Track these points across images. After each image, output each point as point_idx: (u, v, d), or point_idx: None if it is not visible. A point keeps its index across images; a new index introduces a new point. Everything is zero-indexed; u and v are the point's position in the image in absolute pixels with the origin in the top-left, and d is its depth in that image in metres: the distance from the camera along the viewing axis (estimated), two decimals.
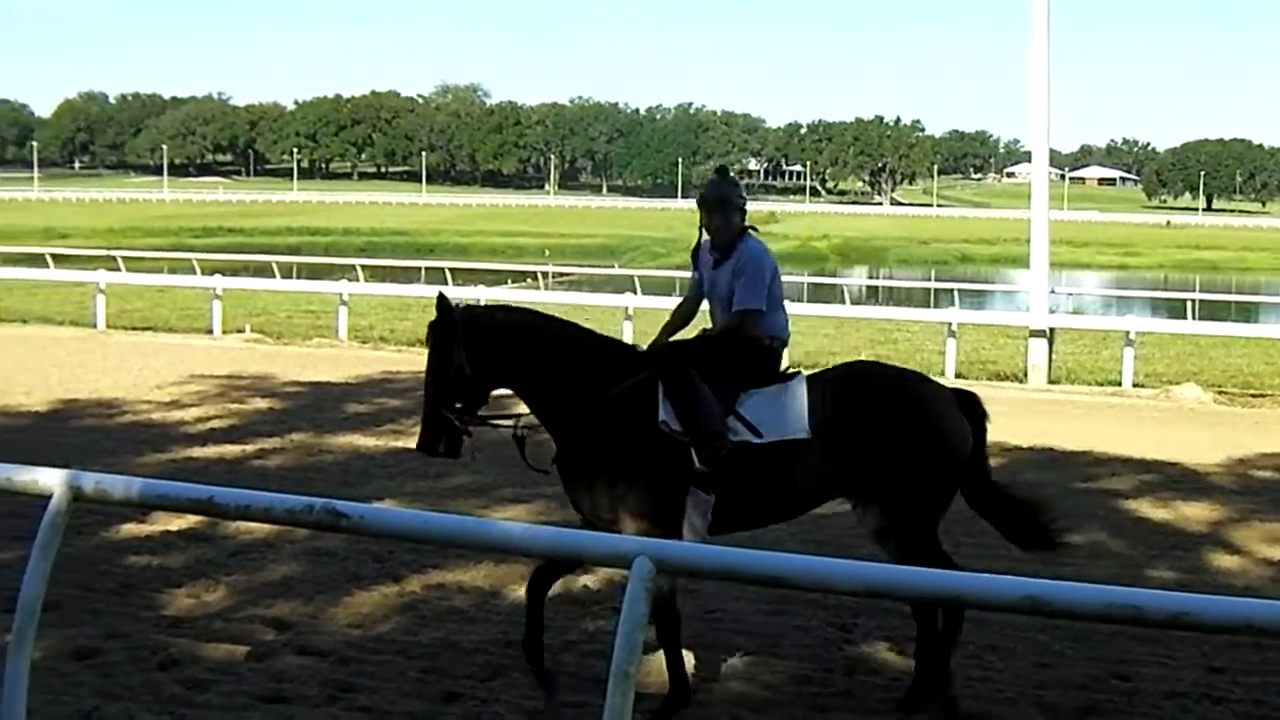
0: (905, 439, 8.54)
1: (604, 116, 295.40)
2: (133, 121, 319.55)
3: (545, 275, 49.85)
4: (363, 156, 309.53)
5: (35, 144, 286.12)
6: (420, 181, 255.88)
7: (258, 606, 10.33)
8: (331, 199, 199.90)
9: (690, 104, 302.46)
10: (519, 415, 8.79)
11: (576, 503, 8.67)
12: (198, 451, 16.95)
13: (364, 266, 44.37)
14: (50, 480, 7.47)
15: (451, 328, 8.53)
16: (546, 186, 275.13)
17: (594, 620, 10.18)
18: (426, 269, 50.86)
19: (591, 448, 8.51)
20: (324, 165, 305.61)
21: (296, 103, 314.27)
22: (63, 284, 41.20)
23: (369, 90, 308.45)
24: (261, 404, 21.21)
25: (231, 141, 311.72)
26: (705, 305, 9.20)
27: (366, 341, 31.52)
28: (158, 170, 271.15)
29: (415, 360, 27.36)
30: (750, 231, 8.97)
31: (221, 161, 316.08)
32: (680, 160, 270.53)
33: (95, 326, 33.09)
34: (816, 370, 9.54)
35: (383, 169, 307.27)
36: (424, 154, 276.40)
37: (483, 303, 8.80)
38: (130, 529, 12.59)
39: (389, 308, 37.57)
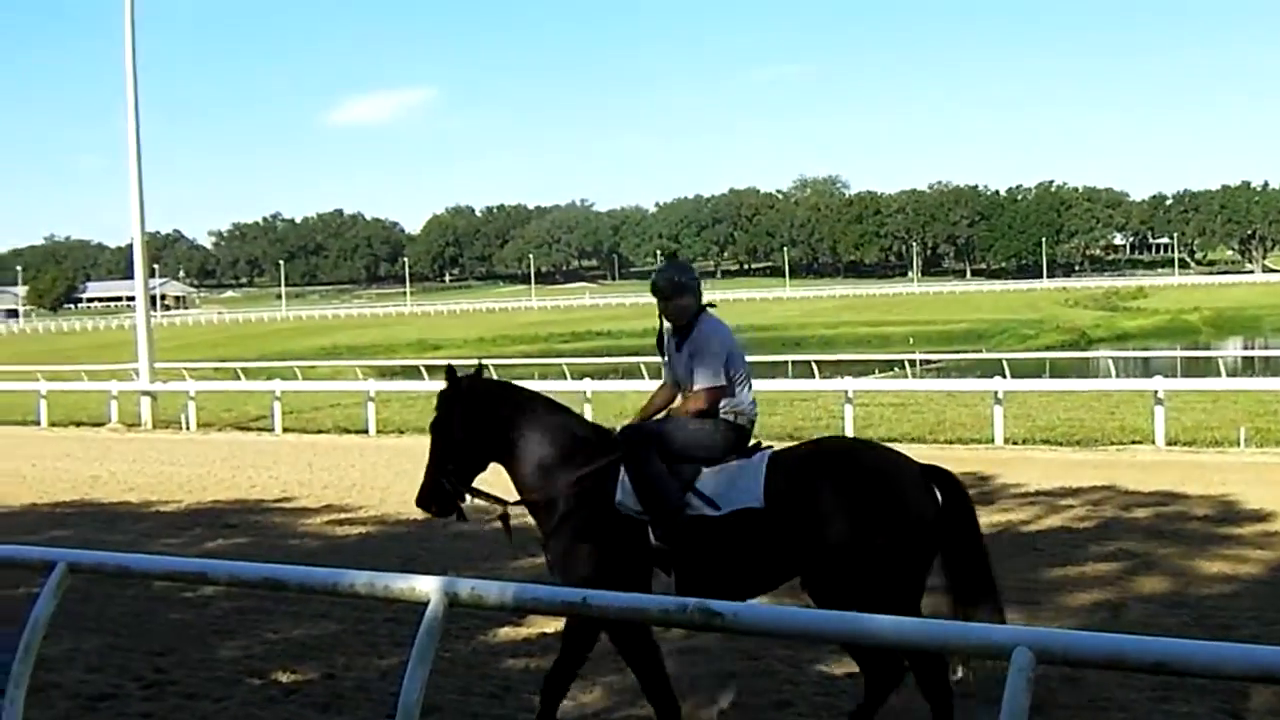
0: (853, 510, 8.53)
1: (964, 200, 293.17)
2: (499, 233, 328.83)
3: (912, 363, 49.48)
4: (725, 254, 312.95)
5: (407, 260, 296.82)
6: (783, 276, 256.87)
7: (634, 707, 10.31)
8: None
9: (1051, 182, 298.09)
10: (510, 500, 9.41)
11: (553, 583, 8.80)
12: None
13: None
14: (426, 587, 7.58)
15: (453, 395, 9.38)
16: (909, 274, 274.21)
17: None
18: (793, 363, 50.88)
19: (559, 528, 9.10)
20: None
21: (657, 205, 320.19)
22: (434, 394, 42.26)
23: (728, 188, 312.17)
24: None
25: (595, 247, 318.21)
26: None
27: None
28: (525, 279, 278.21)
29: None
30: (707, 310, 9.46)
31: (587, 267, 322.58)
32: (1044, 240, 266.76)
33: None
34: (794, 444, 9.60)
35: (745, 265, 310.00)
36: (785, 249, 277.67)
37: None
38: (507, 632, 12.77)
39: (758, 400, 37.54)
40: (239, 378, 52.24)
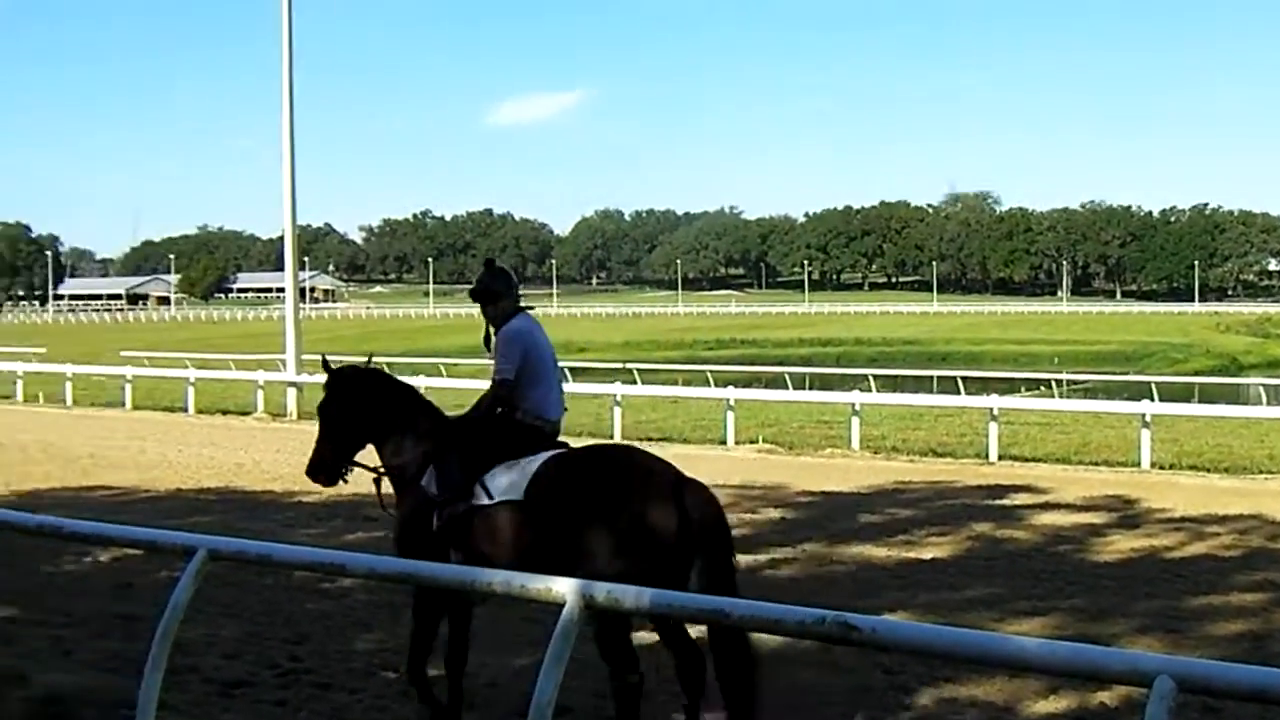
0: (586, 510, 9.09)
1: (1116, 220, 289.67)
2: (647, 238, 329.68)
3: (1059, 383, 48.90)
4: (873, 267, 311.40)
5: (554, 261, 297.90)
6: (931, 290, 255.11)
7: (765, 718, 10.22)
8: (843, 310, 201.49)
9: (1205, 204, 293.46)
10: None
11: None
12: None
13: (875, 376, 44.32)
14: (563, 588, 7.55)
15: (331, 382, 10.52)
16: (1059, 293, 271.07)
17: None
18: (938, 378, 50.48)
19: (398, 500, 10.15)
20: (835, 276, 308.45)
21: (806, 215, 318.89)
22: (581, 396, 42.41)
23: (878, 201, 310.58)
24: (774, 514, 21.24)
25: (743, 255, 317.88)
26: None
27: (879, 451, 31.27)
28: (672, 285, 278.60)
29: (929, 470, 27.11)
30: (522, 313, 10.35)
31: (734, 275, 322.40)
32: (1196, 263, 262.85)
33: (611, 437, 33.82)
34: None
35: (893, 279, 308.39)
36: (934, 263, 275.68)
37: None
38: (641, 637, 12.65)
39: (900, 417, 37.30)
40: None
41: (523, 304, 10.49)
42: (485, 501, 9.48)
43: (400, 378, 11.42)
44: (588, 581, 7.57)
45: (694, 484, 9.35)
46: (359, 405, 10.32)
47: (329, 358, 11.10)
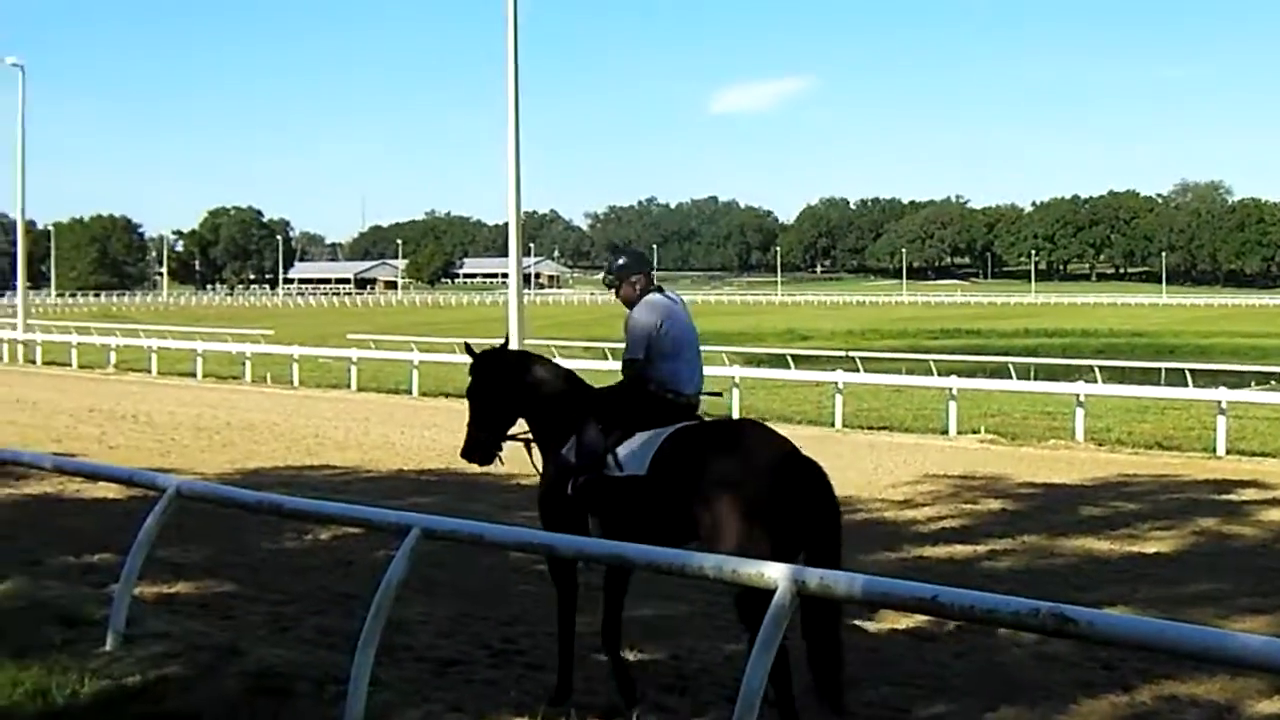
0: (701, 484, 9.31)
1: None
2: (872, 226, 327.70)
3: None
4: (1100, 257, 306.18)
5: (779, 249, 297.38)
6: (1160, 282, 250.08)
7: (982, 711, 10.04)
8: (1069, 300, 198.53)
9: None
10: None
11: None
12: (928, 551, 16.85)
13: (1101, 368, 43.49)
14: (774, 574, 7.48)
15: (477, 366, 10.94)
16: None
17: None
18: (1166, 370, 49.37)
19: (544, 468, 10.52)
20: (1061, 266, 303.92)
21: (1034, 204, 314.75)
22: (802, 383, 42.29)
23: (1107, 190, 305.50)
24: (994, 505, 20.92)
25: (969, 244, 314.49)
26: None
27: (1103, 443, 30.64)
28: (896, 274, 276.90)
29: (1154, 463, 26.51)
30: (652, 294, 10.50)
31: (959, 264, 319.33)
32: None
33: (833, 425, 33.63)
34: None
35: (1121, 270, 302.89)
36: (1164, 254, 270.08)
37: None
38: (856, 625, 12.54)
39: (1127, 409, 36.52)
40: (607, 358, 52.84)
41: (660, 285, 10.72)
42: (616, 473, 9.81)
43: (542, 354, 11.88)
44: (799, 567, 7.52)
45: (804, 460, 9.53)
46: (503, 385, 10.71)
47: (470, 342, 11.68)
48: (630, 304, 10.53)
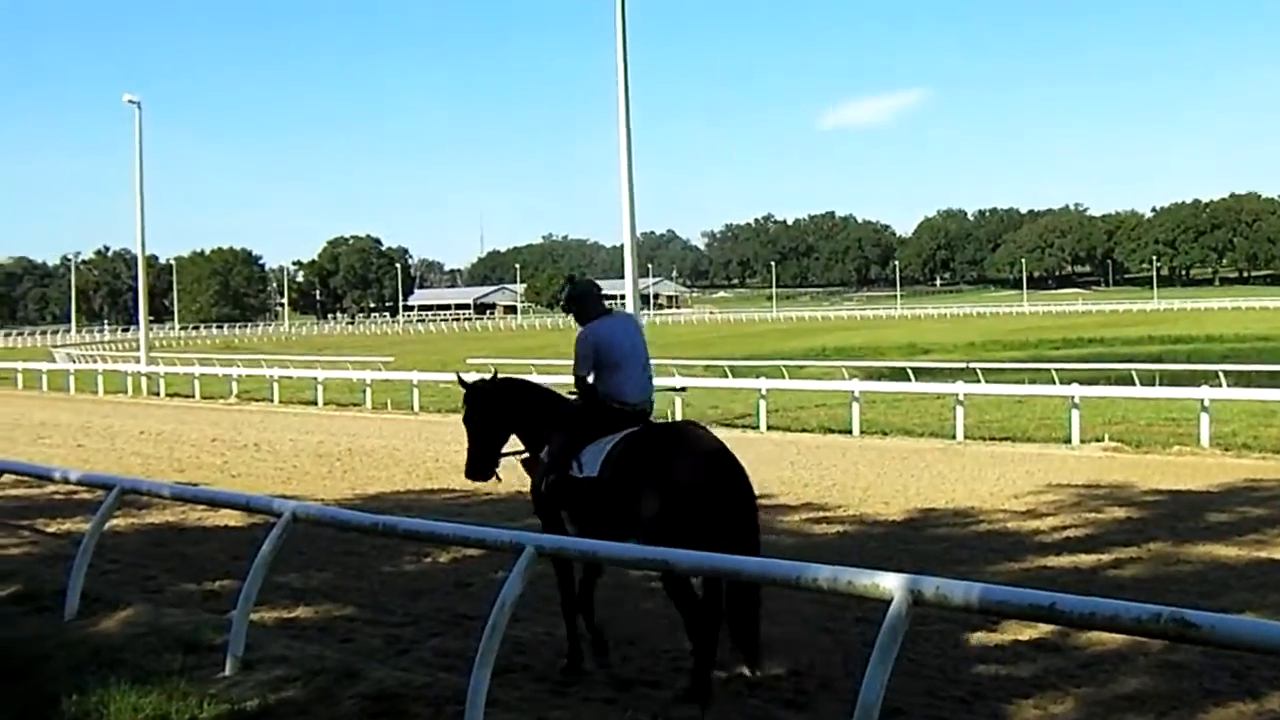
0: (638, 479, 10.77)
1: None
2: (990, 237, 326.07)
3: None
4: (1223, 261, 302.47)
5: (897, 262, 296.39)
6: None
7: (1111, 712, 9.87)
8: (1192, 306, 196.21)
9: None
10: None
11: None
12: (1051, 560, 16.63)
13: (1226, 372, 42.85)
14: (890, 584, 7.41)
15: (470, 396, 12.43)
16: None
17: None
18: None
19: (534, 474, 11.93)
20: (1184, 272, 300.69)
21: (1154, 210, 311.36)
22: (923, 396, 41.97)
23: (1228, 193, 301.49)
24: (1118, 513, 20.62)
25: (1089, 252, 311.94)
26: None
27: (1229, 449, 30.16)
28: (1016, 284, 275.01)
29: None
30: (605, 316, 11.93)
31: (1080, 272, 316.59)
32: None
33: (954, 437, 33.33)
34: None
35: (1244, 273, 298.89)
36: None
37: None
38: (979, 637, 12.39)
39: (1253, 413, 35.95)
40: (726, 376, 52.81)
41: (609, 308, 12.22)
42: (577, 474, 11.20)
43: (522, 378, 13.18)
44: (915, 577, 7.45)
45: (728, 457, 10.93)
46: (490, 410, 12.20)
47: (462, 375, 13.20)
48: (583, 325, 11.91)
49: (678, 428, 12.97)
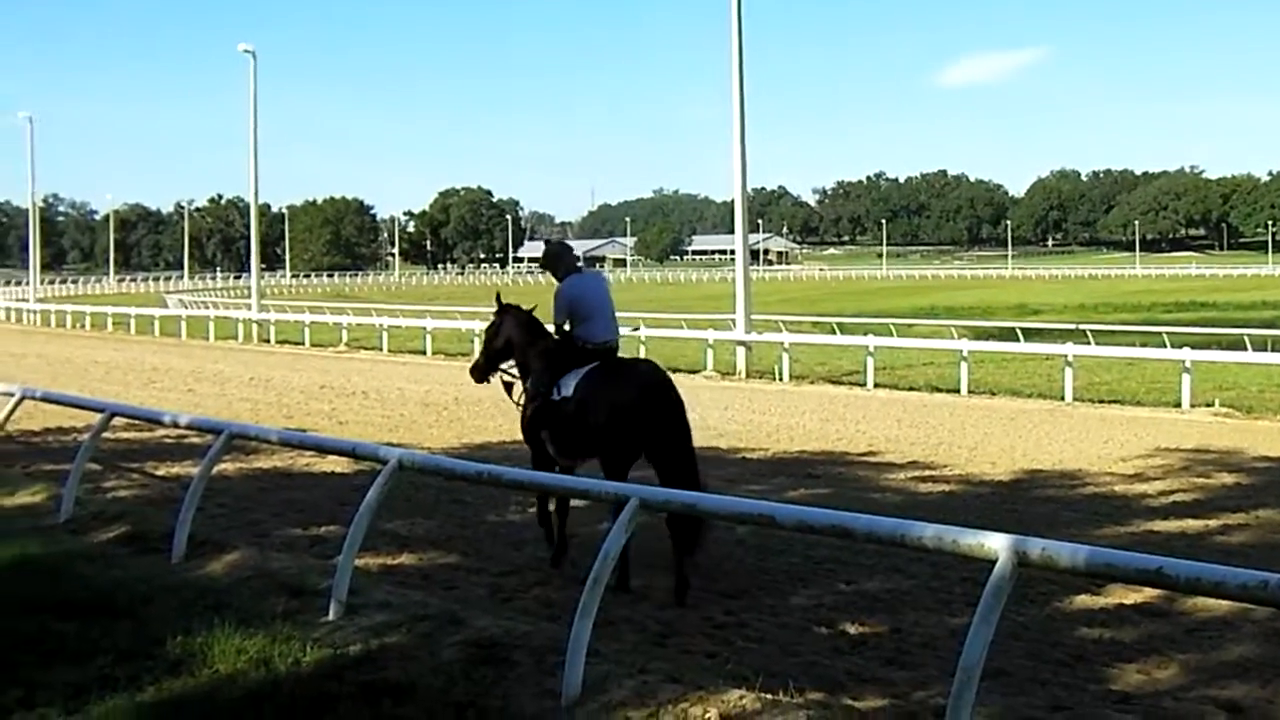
0: (593, 397, 13.32)
1: None
2: (1104, 198, 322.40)
3: None
4: None
5: (1009, 222, 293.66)
6: None
7: (1209, 687, 9.77)
8: None
9: None
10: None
11: None
12: (1158, 525, 16.46)
13: None
14: (995, 544, 7.36)
15: (498, 313, 14.94)
16: None
17: None
18: None
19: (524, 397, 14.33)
20: None
21: (1270, 174, 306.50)
22: (1032, 357, 41.63)
23: None
24: (1227, 479, 20.37)
25: (1204, 215, 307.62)
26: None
27: None
28: (1129, 246, 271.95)
29: None
30: (577, 273, 14.40)
31: (1194, 236, 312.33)
32: None
33: (1063, 399, 33.03)
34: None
35: None
36: None
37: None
38: (1084, 600, 12.29)
39: None
40: (835, 333, 52.64)
41: (580, 266, 14.81)
42: (556, 398, 13.62)
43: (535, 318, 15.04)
44: (1021, 538, 7.40)
45: (669, 385, 13.52)
46: (504, 332, 14.71)
47: (500, 294, 15.82)
48: (560, 281, 14.21)
49: (631, 363, 14.89)
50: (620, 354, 14.32)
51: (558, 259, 14.62)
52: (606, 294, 14.34)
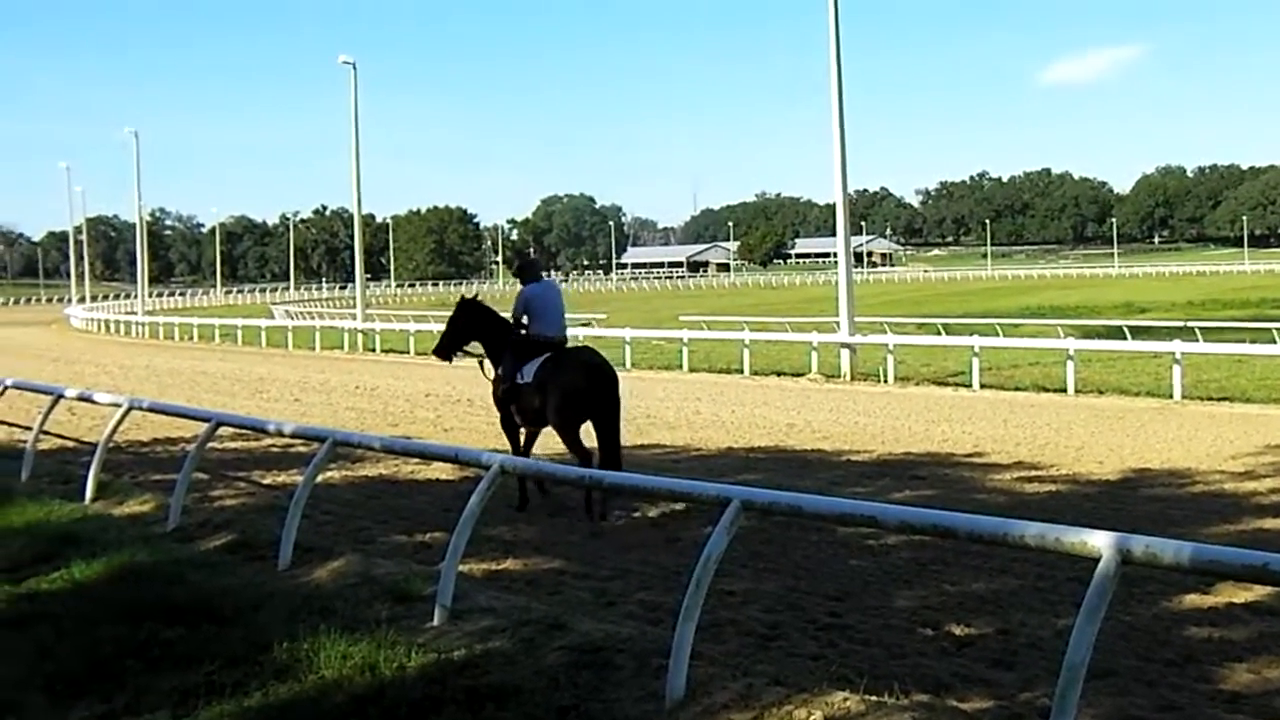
0: (550, 378, 17.35)
1: None
2: (1211, 194, 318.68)
3: None
4: None
5: (1114, 220, 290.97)
6: None
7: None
8: None
9: None
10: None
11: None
12: (1269, 523, 16.24)
13: None
14: (1099, 542, 7.30)
15: (458, 306, 18.86)
16: None
17: None
18: None
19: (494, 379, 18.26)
20: None
21: None
22: (1139, 355, 41.19)
23: None
24: None
25: None
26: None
27: None
28: (1237, 242, 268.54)
29: None
30: (536, 281, 18.58)
31: None
32: None
33: (1171, 397, 32.67)
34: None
35: None
36: None
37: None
38: (1193, 599, 12.14)
39: None
40: (940, 334, 52.32)
41: (541, 276, 19.36)
42: (520, 382, 17.51)
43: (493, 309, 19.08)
44: (1124, 535, 7.34)
45: (606, 368, 17.85)
46: (466, 321, 18.58)
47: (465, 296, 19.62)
48: (523, 286, 18.27)
49: (578, 351, 18.72)
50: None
51: (527, 270, 19.08)
52: (559, 298, 18.59)
